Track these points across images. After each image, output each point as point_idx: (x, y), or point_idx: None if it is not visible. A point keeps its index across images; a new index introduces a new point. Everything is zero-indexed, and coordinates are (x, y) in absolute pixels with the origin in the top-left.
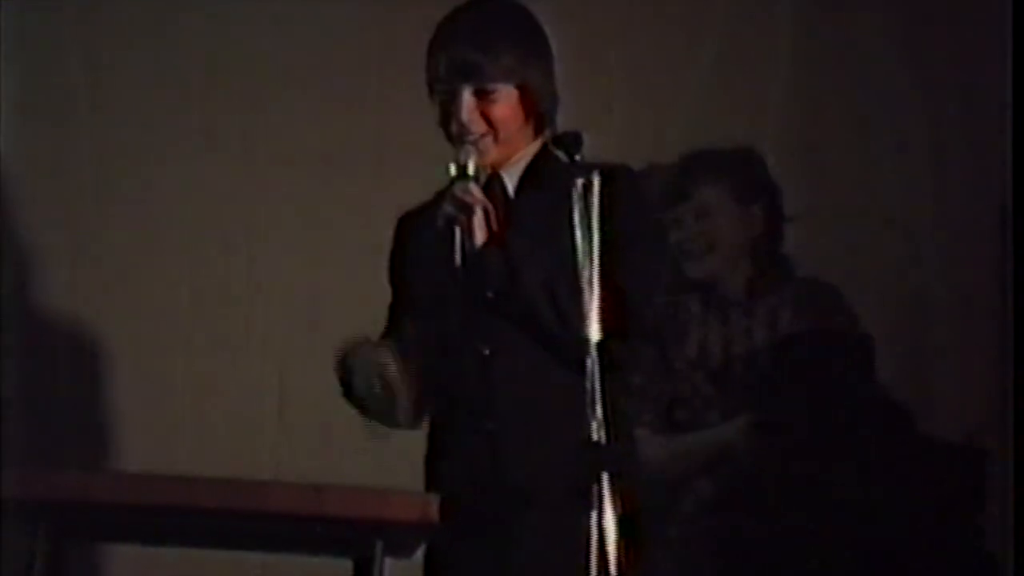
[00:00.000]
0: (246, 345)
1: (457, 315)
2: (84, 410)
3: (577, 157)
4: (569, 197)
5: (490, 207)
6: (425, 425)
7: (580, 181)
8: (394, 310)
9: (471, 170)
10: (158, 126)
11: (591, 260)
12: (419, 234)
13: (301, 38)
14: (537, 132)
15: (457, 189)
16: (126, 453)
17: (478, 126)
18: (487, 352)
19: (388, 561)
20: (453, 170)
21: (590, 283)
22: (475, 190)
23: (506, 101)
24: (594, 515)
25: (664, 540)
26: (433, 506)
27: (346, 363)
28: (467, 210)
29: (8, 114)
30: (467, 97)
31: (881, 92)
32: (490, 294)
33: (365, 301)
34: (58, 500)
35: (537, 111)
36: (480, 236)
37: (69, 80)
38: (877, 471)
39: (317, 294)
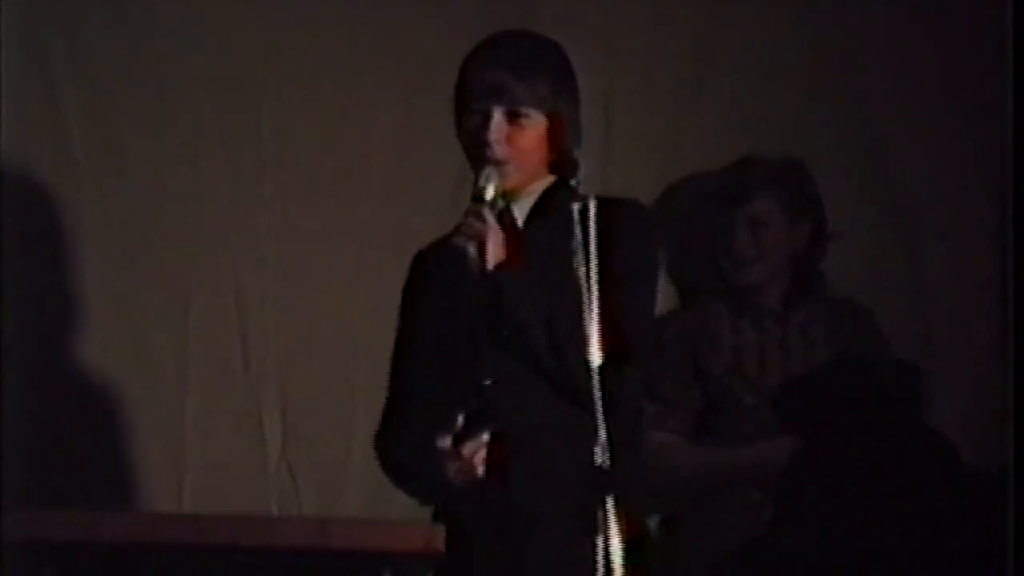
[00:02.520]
0: (248, 380)
1: (461, 345)
2: (89, 449)
3: (574, 182)
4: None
5: (499, 235)
6: None
7: (576, 206)
8: (396, 360)
9: (488, 194)
10: (164, 157)
11: (590, 285)
12: (431, 267)
13: (312, 49)
14: (552, 167)
15: (470, 213)
16: (132, 492)
17: (503, 149)
18: (488, 382)
19: None
20: (473, 192)
21: (590, 308)
22: (487, 215)
23: (535, 128)
24: (600, 539)
25: (698, 552)
26: (439, 536)
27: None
28: (475, 236)
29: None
30: (498, 118)
31: (884, 101)
32: (506, 333)
33: (370, 335)
34: (65, 540)
35: (561, 144)
36: (487, 263)
37: (65, 110)
38: (917, 508)
39: (320, 328)
